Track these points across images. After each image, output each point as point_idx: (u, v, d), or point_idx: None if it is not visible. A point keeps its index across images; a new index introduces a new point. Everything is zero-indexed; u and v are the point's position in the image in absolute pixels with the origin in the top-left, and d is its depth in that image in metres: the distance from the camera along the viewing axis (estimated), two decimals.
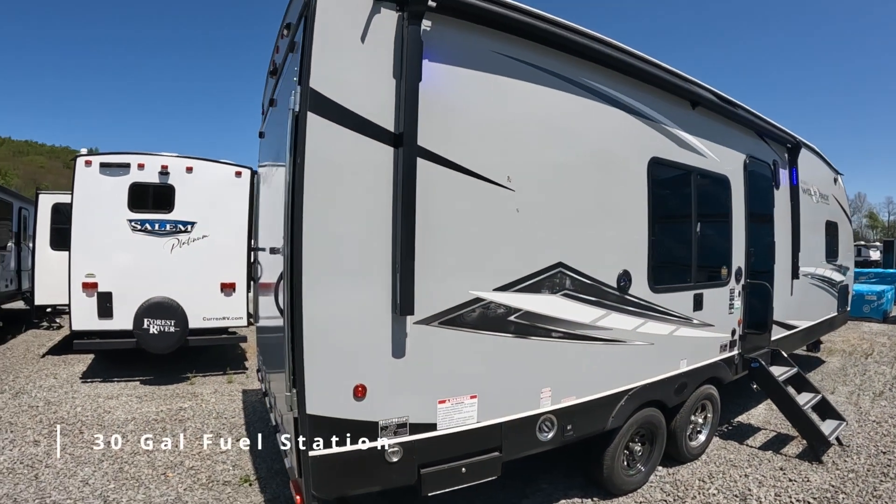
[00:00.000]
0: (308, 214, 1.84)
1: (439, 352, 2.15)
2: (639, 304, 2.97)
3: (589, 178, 2.70)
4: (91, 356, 6.13)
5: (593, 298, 2.71)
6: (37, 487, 2.90)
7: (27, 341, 7.23)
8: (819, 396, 4.06)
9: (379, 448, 2.00)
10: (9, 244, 7.89)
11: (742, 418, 4.49)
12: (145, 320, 5.11)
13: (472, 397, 2.27)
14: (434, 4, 2.04)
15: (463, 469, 2.24)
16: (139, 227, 5.33)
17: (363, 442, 1.96)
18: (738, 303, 3.84)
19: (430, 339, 2.11)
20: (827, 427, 3.76)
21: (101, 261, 5.02)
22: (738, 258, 3.84)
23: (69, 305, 4.90)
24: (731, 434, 4.10)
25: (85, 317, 4.90)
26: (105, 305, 4.97)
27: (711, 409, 3.76)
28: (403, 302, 1.96)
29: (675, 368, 3.26)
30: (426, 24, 2.08)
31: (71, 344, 5.21)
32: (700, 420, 3.71)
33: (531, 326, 2.44)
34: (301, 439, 1.86)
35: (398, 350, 2.04)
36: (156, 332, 5.17)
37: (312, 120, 1.84)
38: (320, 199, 1.87)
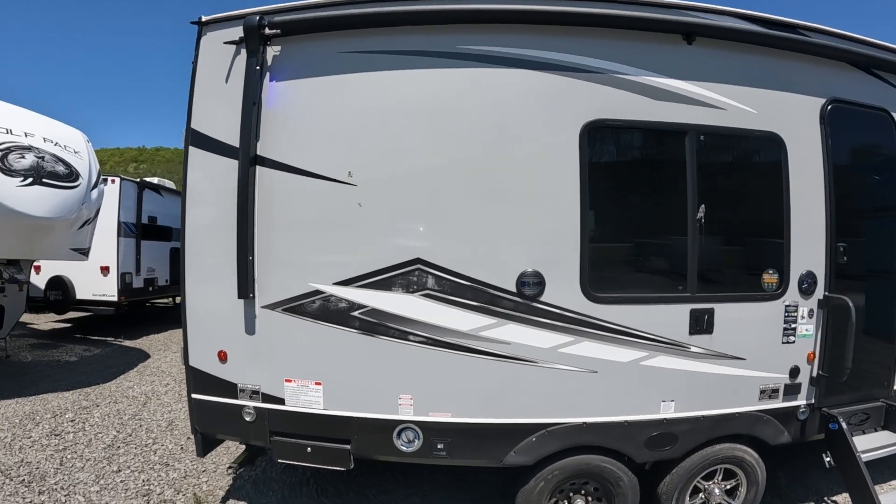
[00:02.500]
0: (187, 221, 2.78)
1: (283, 335, 2.65)
2: (562, 317, 2.43)
3: (466, 162, 2.51)
4: None
5: (474, 303, 2.49)
6: (135, 409, 4.91)
7: None
8: None
9: (237, 405, 2.74)
10: None
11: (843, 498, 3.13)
12: None
13: (316, 383, 2.65)
14: (278, 31, 2.61)
15: (308, 449, 2.66)
16: None
17: (225, 397, 2.75)
18: (806, 327, 2.74)
19: (274, 323, 2.66)
20: None
21: None
22: (808, 258, 2.71)
23: None
24: None
25: None
26: None
27: (744, 481, 2.81)
28: (240, 287, 2.62)
29: (647, 411, 2.50)
30: (275, 49, 2.68)
31: None
32: (717, 491, 2.71)
33: (380, 325, 2.56)
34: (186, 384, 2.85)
35: (250, 328, 2.70)
36: None
37: (192, 151, 2.77)
38: (193, 210, 2.75)
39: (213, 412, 2.78)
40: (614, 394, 2.48)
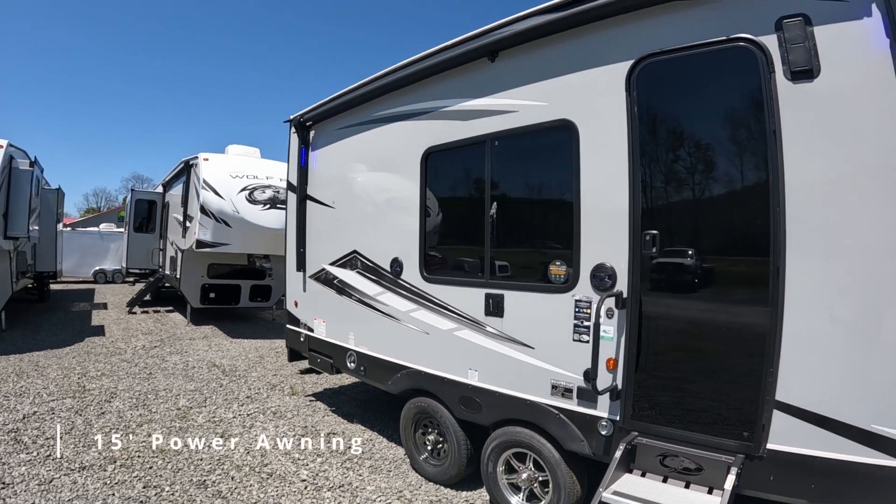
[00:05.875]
0: (286, 231, 5.96)
1: (314, 293, 5.37)
2: (411, 290, 4.11)
3: (374, 187, 4.54)
4: None
5: (374, 277, 4.49)
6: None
7: None
8: None
9: (300, 331, 5.69)
10: None
11: None
12: None
13: (323, 321, 5.27)
14: (311, 122, 5.46)
15: (318, 360, 5.31)
16: None
17: (298, 329, 5.73)
18: (604, 328, 2.85)
19: (312, 285, 5.43)
20: None
21: None
22: (604, 249, 2.90)
23: None
24: None
25: None
26: None
27: (551, 480, 3.18)
28: (298, 264, 5.55)
29: (458, 374, 3.69)
30: (313, 132, 5.52)
31: None
32: (525, 476, 3.36)
33: (343, 289, 4.91)
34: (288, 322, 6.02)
35: (304, 288, 5.57)
36: None
37: (287, 194, 5.94)
38: (287, 225, 5.92)
39: (292, 335, 5.85)
40: (439, 353, 3.79)
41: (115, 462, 4.33)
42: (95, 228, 21.04)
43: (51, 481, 3.98)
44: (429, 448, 4.14)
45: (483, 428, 3.64)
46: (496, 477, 3.50)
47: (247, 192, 8.99)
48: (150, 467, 4.27)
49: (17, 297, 10.63)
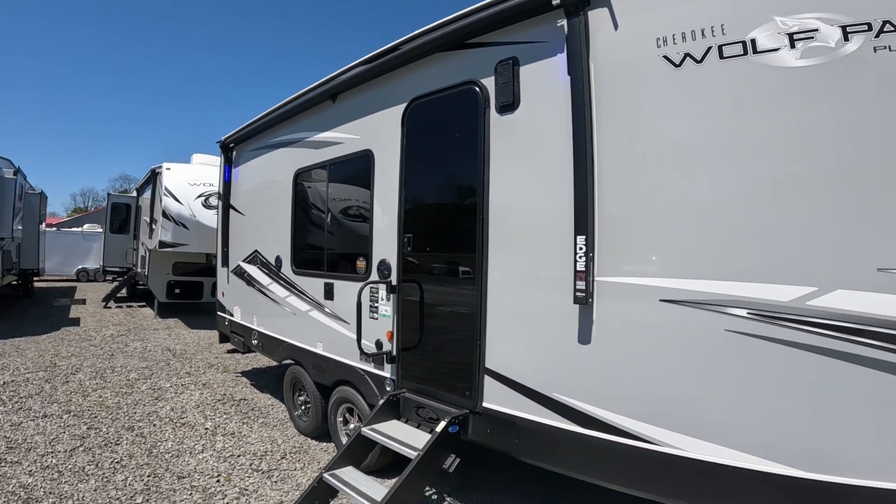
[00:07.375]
0: (217, 231, 7.68)
1: (234, 284, 7.01)
2: (286, 280, 5.75)
3: (267, 199, 6.17)
4: None
5: (266, 271, 6.15)
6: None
7: None
8: None
9: (225, 317, 7.38)
10: None
11: None
12: None
13: (239, 308, 6.95)
14: (233, 144, 7.16)
15: (236, 339, 7.00)
16: None
17: (224, 315, 7.43)
18: (385, 308, 4.11)
19: (232, 278, 7.06)
20: None
21: None
22: (385, 248, 4.13)
23: None
24: None
25: None
26: None
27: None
28: (223, 261, 7.23)
29: (312, 346, 5.18)
30: (235, 153, 7.22)
31: None
32: (353, 426, 4.68)
33: (250, 281, 6.56)
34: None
35: (227, 281, 7.25)
36: None
37: (218, 202, 7.66)
38: (217, 229, 7.63)
39: (221, 321, 7.53)
40: (302, 329, 5.30)
41: (69, 413, 6.05)
42: (79, 229, 23.16)
43: (20, 424, 5.70)
44: (302, 407, 5.74)
45: (329, 388, 5.11)
46: (336, 427, 4.85)
47: (203, 198, 10.74)
48: (96, 417, 5.97)
49: (2, 293, 12.54)
